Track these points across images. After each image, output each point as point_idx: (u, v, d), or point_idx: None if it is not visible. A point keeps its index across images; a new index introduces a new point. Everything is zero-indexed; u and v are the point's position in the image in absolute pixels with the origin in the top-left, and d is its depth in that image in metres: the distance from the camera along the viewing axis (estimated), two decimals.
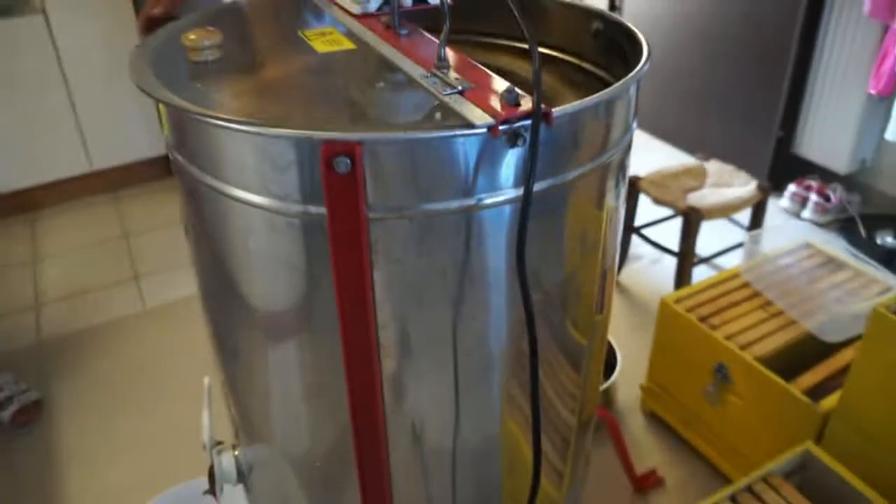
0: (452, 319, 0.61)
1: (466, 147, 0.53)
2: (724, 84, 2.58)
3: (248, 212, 0.59)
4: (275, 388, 0.70)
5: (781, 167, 2.44)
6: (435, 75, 0.60)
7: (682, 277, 1.82)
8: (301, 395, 0.68)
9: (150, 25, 0.82)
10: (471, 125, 0.51)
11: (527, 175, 0.53)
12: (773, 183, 2.45)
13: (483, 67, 0.62)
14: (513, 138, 0.53)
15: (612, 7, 3.01)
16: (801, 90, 2.35)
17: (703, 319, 1.44)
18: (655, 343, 1.57)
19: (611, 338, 1.66)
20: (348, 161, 0.52)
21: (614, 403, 1.66)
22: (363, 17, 0.77)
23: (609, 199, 0.67)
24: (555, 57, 0.87)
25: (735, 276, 1.57)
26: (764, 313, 1.46)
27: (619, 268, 2.06)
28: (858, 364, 1.15)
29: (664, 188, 1.87)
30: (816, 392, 1.28)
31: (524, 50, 0.89)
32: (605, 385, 1.57)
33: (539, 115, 0.52)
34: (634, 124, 0.74)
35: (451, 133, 0.52)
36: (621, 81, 0.60)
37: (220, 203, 0.60)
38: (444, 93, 0.56)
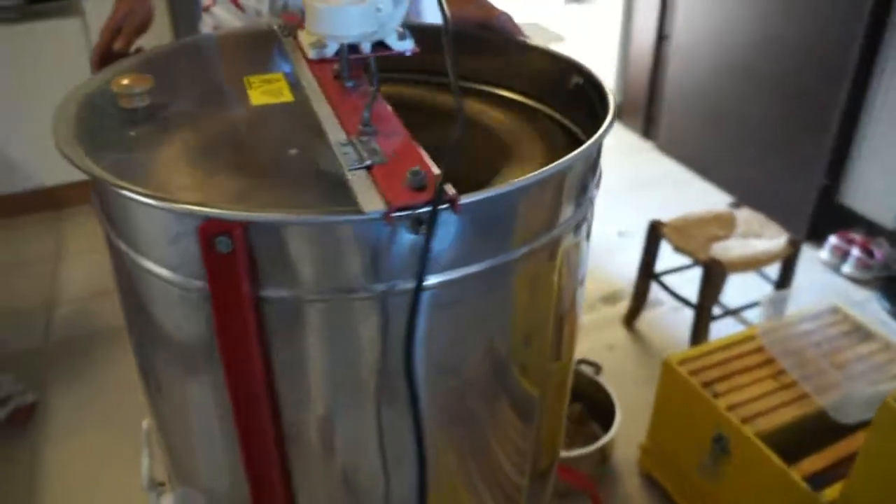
0: (363, 409, 0.56)
1: (364, 232, 0.48)
2: (767, 122, 2.46)
3: (148, 279, 0.55)
4: (193, 428, 0.66)
5: (823, 216, 2.31)
6: (354, 143, 0.55)
7: (699, 332, 1.72)
8: (218, 439, 0.63)
9: (104, 60, 0.80)
10: (359, 211, 0.46)
11: (418, 269, 0.47)
12: (813, 232, 2.32)
13: (407, 139, 0.56)
14: (415, 225, 0.48)
15: (661, 38, 2.92)
16: (850, 134, 2.22)
17: (707, 384, 1.35)
18: (657, 404, 1.48)
19: (611, 389, 1.58)
20: (228, 241, 0.47)
21: (610, 461, 1.57)
22: (319, 62, 0.72)
23: (565, 265, 0.62)
24: (526, 105, 0.81)
25: (751, 337, 1.47)
26: (775, 383, 1.36)
27: (636, 313, 1.97)
28: (864, 455, 1.05)
29: (688, 236, 1.77)
30: (821, 478, 1.18)
31: (499, 97, 0.83)
32: (602, 441, 1.48)
33: (438, 206, 0.46)
34: (594, 192, 0.68)
35: (335, 219, 0.47)
36: (557, 163, 0.54)
37: (126, 264, 0.57)
38: (351, 167, 0.51)
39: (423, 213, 0.47)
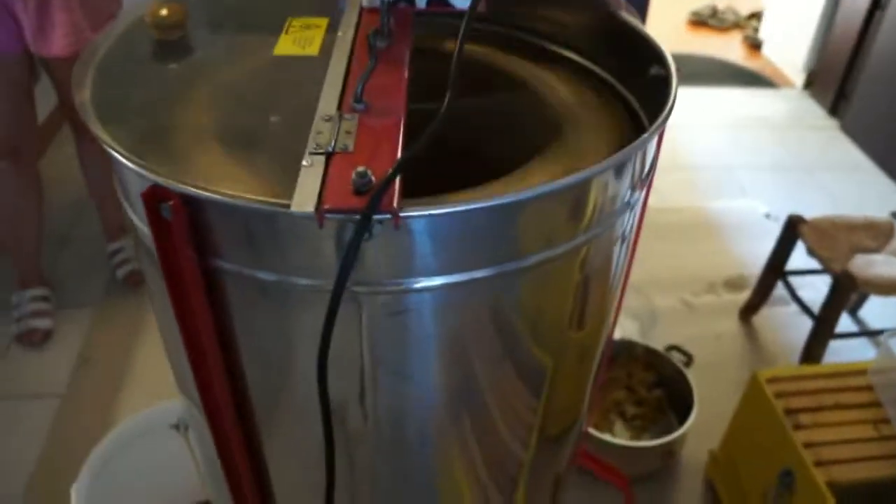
0: (294, 390, 0.56)
1: (299, 225, 0.46)
2: None
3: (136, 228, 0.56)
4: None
5: None
6: (336, 120, 0.51)
7: (813, 348, 1.55)
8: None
9: None
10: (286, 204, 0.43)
11: (336, 285, 0.44)
12: None
13: (395, 123, 0.51)
14: (360, 229, 0.44)
15: (875, 5, 2.51)
16: None
17: (792, 412, 1.21)
18: (735, 416, 1.36)
19: (693, 384, 1.46)
20: (169, 208, 0.46)
21: (678, 457, 1.48)
22: (371, 11, 0.68)
23: (592, 271, 0.58)
24: (602, 78, 0.73)
25: (862, 372, 1.30)
26: (872, 431, 1.20)
27: (755, 308, 1.80)
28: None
29: (829, 239, 1.57)
30: None
31: (578, 66, 0.74)
32: (666, 439, 1.40)
33: (368, 217, 0.42)
34: (638, 195, 0.60)
35: (261, 208, 0.45)
36: (555, 183, 0.47)
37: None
38: (313, 150, 0.48)
39: (357, 221, 0.43)
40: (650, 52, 0.68)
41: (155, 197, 0.47)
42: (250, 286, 0.52)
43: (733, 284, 1.93)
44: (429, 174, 0.65)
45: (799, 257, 1.68)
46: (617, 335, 1.77)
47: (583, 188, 0.52)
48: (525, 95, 0.71)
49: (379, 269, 0.48)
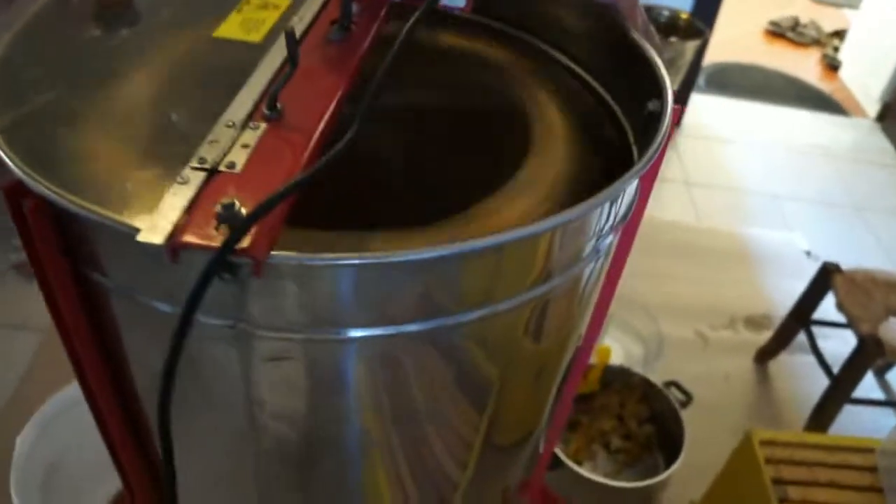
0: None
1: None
2: None
3: None
4: None
5: None
6: (236, 128, 0.43)
7: (825, 410, 1.43)
8: None
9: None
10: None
11: (179, 327, 0.37)
12: None
13: (303, 141, 0.43)
14: (208, 272, 0.37)
15: None
16: None
17: (780, 482, 1.12)
18: (722, 472, 1.27)
19: (687, 429, 1.37)
20: (28, 204, 0.40)
21: (655, 501, 1.40)
22: None
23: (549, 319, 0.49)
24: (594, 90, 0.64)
25: (869, 450, 1.18)
26: None
27: (773, 353, 1.68)
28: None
29: (863, 295, 1.44)
30: None
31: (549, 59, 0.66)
32: (654, 480, 1.31)
33: (220, 260, 0.35)
34: (605, 241, 0.52)
35: (122, 229, 0.38)
36: (480, 241, 0.39)
37: None
38: (196, 164, 0.40)
39: (211, 260, 0.36)
40: (653, 83, 0.59)
41: (16, 193, 0.41)
42: (125, 302, 0.46)
43: (755, 323, 1.81)
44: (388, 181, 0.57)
45: (831, 305, 1.55)
46: (618, 359, 1.68)
47: (529, 243, 0.44)
48: (500, 101, 0.62)
49: (261, 310, 0.41)
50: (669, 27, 1.97)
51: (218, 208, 0.37)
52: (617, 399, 1.49)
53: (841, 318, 1.59)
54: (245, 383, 0.46)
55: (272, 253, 0.37)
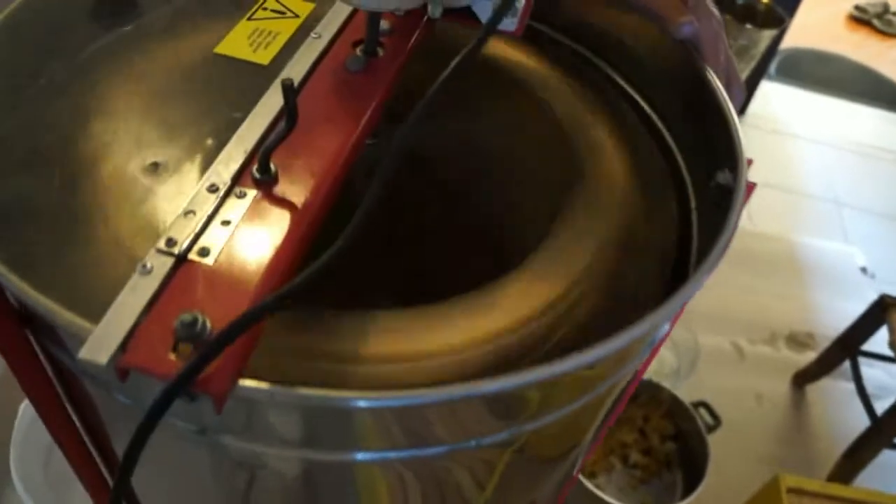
0: None
1: None
2: None
3: None
4: None
5: None
6: (219, 194, 0.36)
7: (861, 451, 1.35)
8: None
9: None
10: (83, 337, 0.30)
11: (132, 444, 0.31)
12: None
13: (297, 220, 0.36)
14: (160, 404, 0.31)
15: None
16: None
17: None
18: None
19: (710, 453, 1.30)
20: None
21: None
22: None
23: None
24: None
25: None
26: None
27: (813, 378, 1.59)
28: None
29: None
30: None
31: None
32: None
33: (173, 391, 0.29)
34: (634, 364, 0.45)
35: (71, 328, 0.31)
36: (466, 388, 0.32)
37: None
38: (161, 245, 0.34)
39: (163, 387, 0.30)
40: (727, 147, 0.50)
41: None
42: (88, 380, 0.40)
43: (798, 341, 1.72)
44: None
45: (884, 336, 1.45)
46: (650, 368, 1.61)
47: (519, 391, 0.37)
48: (546, 136, 0.54)
49: (234, 423, 0.35)
50: (747, 12, 1.82)
51: (177, 324, 0.30)
52: (641, 412, 1.42)
53: (892, 353, 1.49)
54: (217, 485, 0.40)
55: (240, 383, 0.30)
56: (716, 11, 0.54)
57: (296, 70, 0.45)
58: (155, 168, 0.39)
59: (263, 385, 0.31)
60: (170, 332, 0.31)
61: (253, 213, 0.36)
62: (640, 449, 1.41)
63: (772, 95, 2.47)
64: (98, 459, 0.48)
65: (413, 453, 0.37)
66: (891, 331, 1.34)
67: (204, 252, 0.34)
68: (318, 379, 0.34)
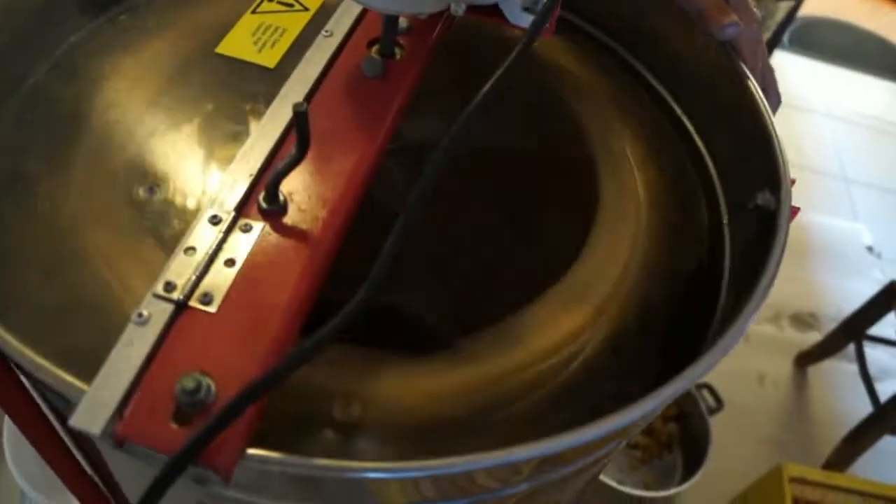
0: None
1: None
2: None
3: None
4: None
5: None
6: (223, 227, 0.33)
7: (861, 437, 1.34)
8: None
9: None
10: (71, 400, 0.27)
11: None
12: None
13: (309, 255, 0.32)
14: (162, 480, 0.28)
15: None
16: None
17: None
18: (744, 495, 1.20)
19: (712, 435, 1.29)
20: None
21: None
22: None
23: None
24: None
25: None
26: None
27: (816, 359, 1.58)
28: None
29: None
30: None
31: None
32: (669, 492, 1.25)
33: (179, 466, 0.26)
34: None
35: (60, 387, 0.28)
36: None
37: None
38: (159, 290, 0.30)
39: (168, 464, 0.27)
40: (767, 163, 0.47)
41: None
42: None
43: (802, 321, 1.70)
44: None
45: (891, 322, 1.43)
46: None
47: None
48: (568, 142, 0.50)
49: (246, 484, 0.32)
50: None
51: (178, 390, 0.27)
52: None
53: None
54: None
55: (249, 453, 0.28)
56: (757, 14, 0.50)
57: (306, 75, 0.41)
58: (150, 192, 0.36)
59: (275, 455, 0.28)
60: (170, 396, 0.28)
61: (260, 250, 0.33)
62: (643, 430, 1.40)
63: (784, 67, 2.41)
64: (102, 488, 0.46)
65: None
66: None
67: (206, 299, 0.31)
68: (328, 431, 0.31)
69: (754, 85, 0.49)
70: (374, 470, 0.28)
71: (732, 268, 0.47)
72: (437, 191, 0.31)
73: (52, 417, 0.38)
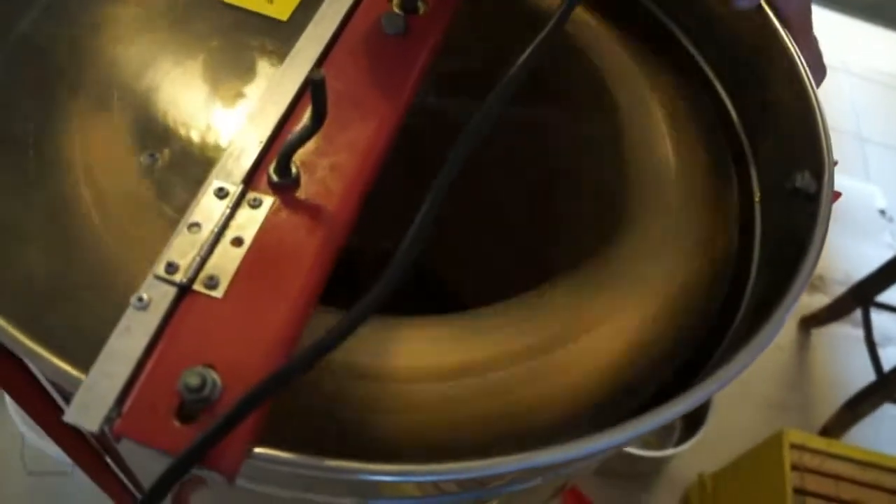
0: None
1: None
2: None
3: None
4: None
5: None
6: (230, 201, 0.30)
7: (859, 406, 1.34)
8: None
9: None
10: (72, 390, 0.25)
11: None
12: None
13: (329, 237, 0.30)
14: (166, 480, 0.26)
15: None
16: None
17: (801, 492, 1.05)
18: (743, 458, 1.20)
19: (714, 401, 1.29)
20: None
21: (664, 473, 1.35)
22: None
23: None
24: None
25: None
26: None
27: (821, 322, 1.56)
28: None
29: None
30: None
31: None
32: (668, 452, 1.26)
33: (184, 468, 0.24)
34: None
35: (54, 375, 0.27)
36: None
37: None
38: (161, 272, 0.28)
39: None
40: (809, 143, 0.44)
41: None
42: None
43: (809, 284, 1.68)
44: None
45: None
46: None
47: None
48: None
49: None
50: None
51: (181, 386, 0.25)
52: None
53: None
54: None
55: (256, 451, 0.26)
56: None
57: (321, 30, 0.38)
58: (152, 159, 0.33)
59: (284, 455, 0.26)
60: (172, 391, 0.25)
61: (270, 228, 0.30)
62: None
63: None
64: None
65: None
66: None
67: (212, 282, 0.28)
68: (340, 403, 0.29)
69: (800, 58, 0.45)
70: (385, 473, 0.26)
71: (763, 250, 0.45)
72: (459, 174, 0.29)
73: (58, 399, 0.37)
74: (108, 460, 0.44)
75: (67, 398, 0.37)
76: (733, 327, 0.41)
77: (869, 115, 2.15)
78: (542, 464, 0.27)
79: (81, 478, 0.50)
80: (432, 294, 0.41)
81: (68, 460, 0.91)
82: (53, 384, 0.35)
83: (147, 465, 0.37)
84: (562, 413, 0.32)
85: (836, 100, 2.16)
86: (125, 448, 0.36)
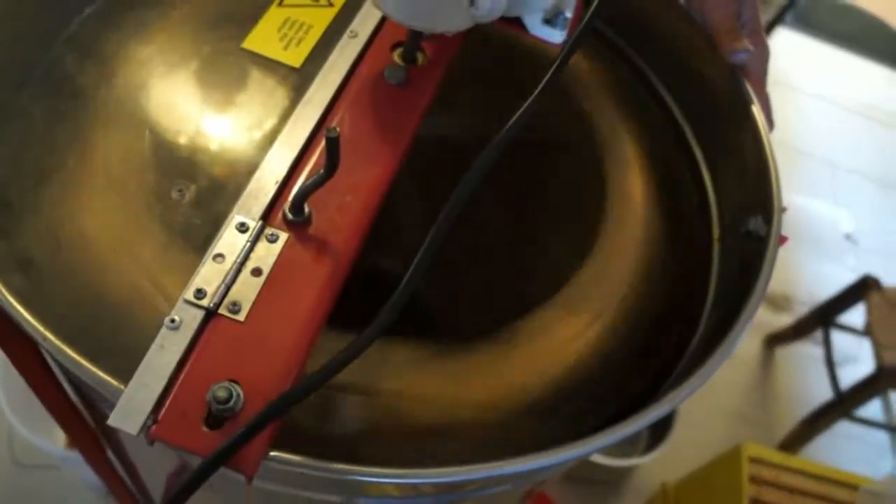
0: None
1: None
2: None
3: None
4: None
5: None
6: (250, 236, 0.35)
7: (819, 420, 1.41)
8: None
9: None
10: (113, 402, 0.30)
11: None
12: None
13: (334, 273, 0.34)
14: (192, 483, 0.30)
15: None
16: None
17: (758, 502, 1.11)
18: (704, 470, 1.26)
19: (678, 411, 1.36)
20: None
21: (629, 480, 1.40)
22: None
23: None
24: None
25: (853, 487, 1.17)
26: None
27: (784, 340, 1.63)
28: None
29: (895, 320, 1.37)
30: None
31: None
32: (635, 461, 1.31)
33: (208, 468, 0.29)
34: None
35: (99, 385, 0.31)
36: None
37: None
38: (191, 297, 0.32)
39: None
40: (760, 188, 0.49)
41: None
42: None
43: (774, 303, 1.75)
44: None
45: (860, 312, 1.48)
46: None
47: None
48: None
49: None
50: None
51: (210, 397, 0.29)
52: None
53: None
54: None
55: (273, 455, 0.30)
56: (768, 43, 0.52)
57: (331, 78, 0.42)
58: (181, 195, 0.37)
59: (296, 458, 0.31)
60: (201, 401, 0.30)
61: (285, 261, 0.35)
62: None
63: (781, 45, 2.41)
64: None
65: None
66: (868, 312, 1.38)
67: (235, 308, 0.33)
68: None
69: (758, 110, 0.50)
70: (391, 476, 0.31)
71: (718, 286, 0.50)
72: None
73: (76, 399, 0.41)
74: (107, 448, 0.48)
75: (78, 387, 0.41)
76: (682, 360, 0.46)
77: (842, 142, 2.23)
78: (508, 473, 0.32)
79: (69, 469, 0.54)
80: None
81: (56, 452, 0.94)
82: (63, 368, 0.39)
83: (152, 463, 0.41)
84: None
85: (811, 125, 2.24)
86: (142, 448, 0.41)
